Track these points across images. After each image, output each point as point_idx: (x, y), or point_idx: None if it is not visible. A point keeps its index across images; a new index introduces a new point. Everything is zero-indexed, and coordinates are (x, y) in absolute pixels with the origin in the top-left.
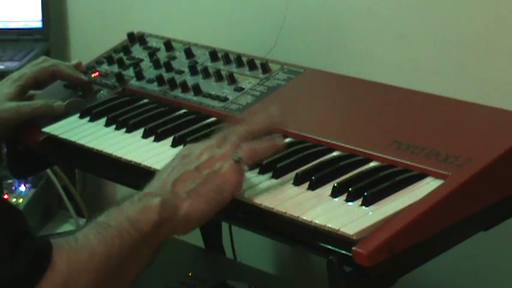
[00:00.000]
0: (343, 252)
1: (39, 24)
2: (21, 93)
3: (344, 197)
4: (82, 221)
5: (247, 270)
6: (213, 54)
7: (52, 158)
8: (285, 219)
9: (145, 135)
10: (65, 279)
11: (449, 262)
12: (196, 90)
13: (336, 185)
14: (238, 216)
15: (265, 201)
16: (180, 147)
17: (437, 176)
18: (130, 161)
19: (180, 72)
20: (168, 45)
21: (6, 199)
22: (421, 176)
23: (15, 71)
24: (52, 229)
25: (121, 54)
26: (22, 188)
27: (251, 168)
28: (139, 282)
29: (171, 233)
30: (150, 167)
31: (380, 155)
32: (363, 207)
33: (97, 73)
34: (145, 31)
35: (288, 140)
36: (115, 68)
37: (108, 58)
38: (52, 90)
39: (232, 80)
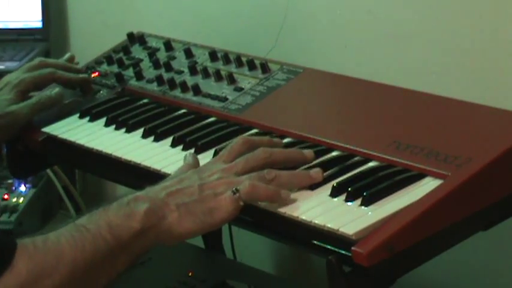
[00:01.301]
0: (343, 252)
1: (39, 24)
2: (22, 99)
3: (343, 197)
4: None
5: (247, 270)
6: (213, 54)
7: (52, 158)
8: (285, 219)
9: (145, 135)
10: (22, 282)
11: (449, 262)
12: (196, 90)
13: (335, 185)
14: (238, 216)
15: None
16: (180, 147)
17: (436, 176)
18: (130, 161)
19: (180, 72)
20: (168, 45)
21: (6, 199)
22: (420, 176)
23: (13, 73)
24: (52, 229)
25: (121, 54)
26: (22, 188)
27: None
28: (140, 282)
29: (153, 243)
30: (149, 167)
31: (379, 155)
32: (362, 207)
33: (97, 73)
34: (145, 31)
35: (287, 140)
36: (115, 68)
37: (108, 58)
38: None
39: (231, 80)
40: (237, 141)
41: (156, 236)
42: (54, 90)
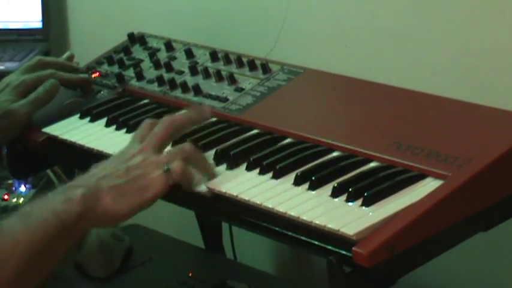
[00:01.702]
0: (343, 252)
1: (39, 25)
2: (23, 99)
3: (344, 197)
4: None
5: (247, 271)
6: (214, 55)
7: (52, 159)
8: (285, 220)
9: None
10: None
11: (449, 262)
12: (197, 90)
13: (336, 185)
14: (238, 216)
15: (265, 201)
16: None
17: (437, 176)
18: None
19: (181, 72)
20: (169, 45)
21: (6, 199)
22: (421, 176)
23: (12, 74)
24: None
25: (121, 55)
26: (22, 188)
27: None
28: (140, 283)
29: (92, 225)
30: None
31: (380, 155)
32: (363, 207)
33: (97, 73)
34: (146, 31)
35: (288, 140)
36: (115, 69)
37: (109, 58)
38: None
39: (232, 80)
40: (145, 121)
41: (95, 218)
42: (48, 83)
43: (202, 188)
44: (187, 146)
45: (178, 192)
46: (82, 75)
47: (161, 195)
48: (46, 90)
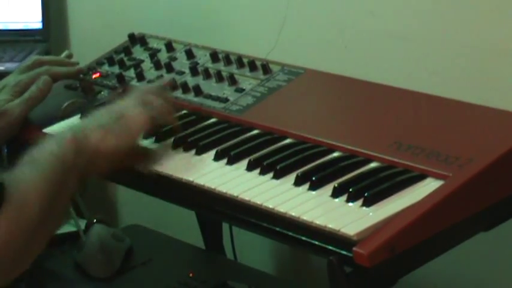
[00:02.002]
0: (344, 252)
1: (39, 25)
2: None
3: (344, 197)
4: (82, 222)
5: (247, 271)
6: (214, 55)
7: None
8: (286, 220)
9: (145, 136)
10: (10, 213)
11: (450, 262)
12: (197, 91)
13: (336, 185)
14: (238, 216)
15: (266, 201)
16: (181, 148)
17: (437, 176)
18: None
19: (181, 73)
20: (169, 46)
21: None
22: (421, 176)
23: (10, 75)
24: None
25: (122, 55)
26: None
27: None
28: (140, 283)
29: (88, 162)
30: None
31: (380, 155)
32: (364, 207)
33: (98, 74)
34: (146, 32)
35: (288, 140)
36: (116, 69)
37: (109, 59)
38: (53, 91)
39: (232, 81)
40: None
41: (89, 155)
42: (41, 80)
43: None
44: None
45: (178, 192)
46: (77, 66)
47: (145, 128)
48: (39, 87)
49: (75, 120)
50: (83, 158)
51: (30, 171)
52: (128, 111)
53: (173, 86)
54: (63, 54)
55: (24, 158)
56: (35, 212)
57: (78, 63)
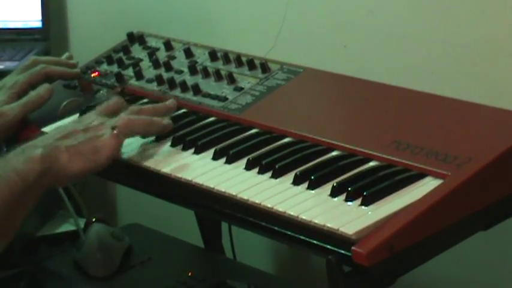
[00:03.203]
0: (343, 251)
1: (38, 24)
2: (17, 100)
3: (343, 196)
4: (82, 221)
5: (247, 270)
6: (213, 54)
7: None
8: (284, 219)
9: (144, 136)
10: None
11: (449, 262)
12: (196, 90)
13: (335, 184)
14: (237, 215)
15: (265, 201)
16: (180, 147)
17: (436, 175)
18: (129, 161)
19: (180, 72)
20: (168, 45)
21: None
22: (420, 175)
23: (8, 76)
24: (52, 229)
25: (120, 54)
26: None
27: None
28: (139, 282)
29: (52, 183)
30: (149, 167)
31: (379, 154)
32: (362, 206)
33: (96, 73)
34: (145, 31)
35: (287, 139)
36: (114, 68)
37: (108, 58)
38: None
39: (231, 79)
40: (112, 98)
41: (54, 176)
42: (43, 87)
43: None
44: (133, 106)
45: (177, 191)
46: (75, 70)
47: (116, 153)
48: (39, 94)
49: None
50: (46, 178)
51: None
52: (100, 133)
53: (121, 90)
54: (64, 56)
55: None
56: None
57: (77, 65)
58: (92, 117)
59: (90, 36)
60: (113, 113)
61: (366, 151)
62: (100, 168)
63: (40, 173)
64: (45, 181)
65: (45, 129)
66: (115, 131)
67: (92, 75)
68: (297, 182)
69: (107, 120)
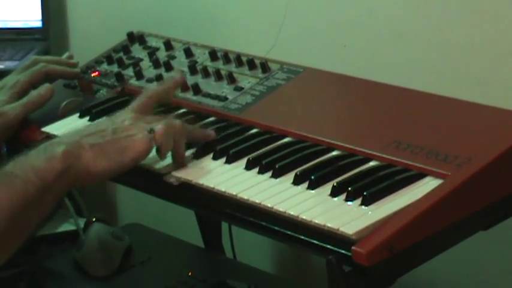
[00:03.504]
0: (343, 251)
1: (38, 24)
2: (18, 100)
3: (343, 196)
4: (82, 220)
5: (247, 270)
6: (213, 54)
7: None
8: (284, 219)
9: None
10: None
11: (449, 262)
12: (196, 89)
13: (335, 184)
14: (237, 216)
15: (265, 200)
16: None
17: (436, 175)
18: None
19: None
20: (168, 44)
21: None
22: (420, 175)
23: (9, 75)
24: (52, 229)
25: (120, 54)
26: None
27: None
28: (139, 282)
29: (73, 182)
30: (149, 167)
31: (379, 154)
32: (363, 206)
33: (97, 73)
34: (145, 30)
35: (287, 139)
36: (115, 68)
37: (108, 58)
38: None
39: (231, 79)
40: (145, 93)
41: (75, 175)
42: (43, 86)
43: (171, 178)
44: (177, 121)
45: (176, 191)
46: (75, 70)
47: (143, 157)
48: (40, 94)
49: (74, 119)
50: (68, 178)
51: (1, 183)
52: (132, 133)
53: (122, 90)
54: (64, 56)
55: (5, 166)
56: None
57: (77, 65)
58: (125, 116)
59: (90, 36)
60: (147, 110)
61: (366, 151)
62: (125, 169)
63: (60, 172)
64: (66, 180)
65: (46, 129)
66: (151, 135)
67: (92, 75)
68: (297, 181)
69: (142, 120)
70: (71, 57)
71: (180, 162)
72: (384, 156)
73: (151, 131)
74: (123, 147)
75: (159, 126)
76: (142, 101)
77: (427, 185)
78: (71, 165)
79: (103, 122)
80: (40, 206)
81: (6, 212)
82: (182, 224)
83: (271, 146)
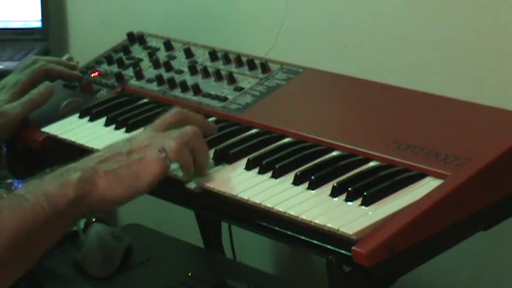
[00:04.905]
0: (343, 252)
1: (38, 24)
2: (18, 99)
3: (344, 196)
4: (82, 221)
5: (247, 270)
6: (213, 54)
7: (52, 158)
8: (285, 219)
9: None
10: None
11: (449, 262)
12: (196, 90)
13: (335, 184)
14: (237, 215)
15: (265, 201)
16: None
17: (436, 175)
18: None
19: (180, 72)
20: (168, 44)
21: None
22: (420, 175)
23: (10, 75)
24: None
25: (120, 54)
26: None
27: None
28: (139, 282)
29: (87, 209)
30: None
31: (380, 154)
32: (363, 206)
33: (97, 73)
34: (145, 31)
35: (287, 139)
36: (115, 68)
37: (108, 58)
38: None
39: (231, 79)
40: (170, 112)
41: (89, 203)
42: (43, 85)
43: (192, 184)
44: (189, 128)
45: (176, 192)
46: (75, 72)
47: (159, 178)
48: (40, 92)
49: (74, 119)
50: (81, 206)
51: (9, 205)
52: (145, 154)
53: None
54: (64, 58)
55: (18, 189)
56: None
57: (77, 67)
58: (144, 135)
59: (90, 36)
60: (171, 128)
61: (366, 151)
62: (141, 194)
63: (73, 199)
64: (78, 208)
65: (46, 129)
66: (163, 154)
67: (92, 75)
68: (297, 182)
69: (158, 137)
70: (71, 59)
71: (204, 170)
72: (384, 156)
73: (162, 150)
74: (137, 171)
75: (170, 143)
76: (166, 117)
77: (427, 185)
78: (85, 194)
79: (121, 143)
80: (49, 232)
81: (10, 234)
82: (182, 224)
83: (271, 146)
